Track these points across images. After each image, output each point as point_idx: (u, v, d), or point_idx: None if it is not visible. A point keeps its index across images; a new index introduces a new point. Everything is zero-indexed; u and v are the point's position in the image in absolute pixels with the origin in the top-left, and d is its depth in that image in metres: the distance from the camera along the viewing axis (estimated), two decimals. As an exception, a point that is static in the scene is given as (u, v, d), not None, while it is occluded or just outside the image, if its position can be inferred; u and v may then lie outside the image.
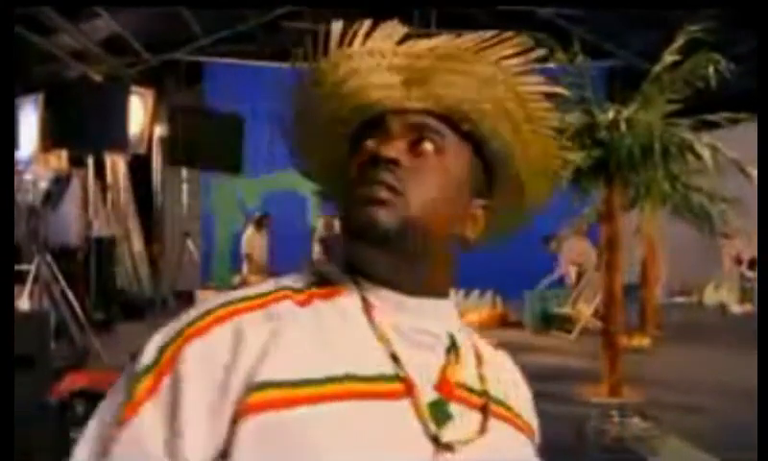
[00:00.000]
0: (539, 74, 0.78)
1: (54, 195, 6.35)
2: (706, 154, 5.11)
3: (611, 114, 5.47)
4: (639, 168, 5.29)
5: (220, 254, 7.85)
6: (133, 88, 9.41)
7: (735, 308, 10.15)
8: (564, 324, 8.56)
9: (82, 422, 2.97)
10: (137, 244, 11.45)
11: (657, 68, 5.35)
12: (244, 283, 8.63)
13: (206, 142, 6.54)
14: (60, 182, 6.39)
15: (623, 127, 5.20)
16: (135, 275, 11.36)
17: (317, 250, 7.98)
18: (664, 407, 5.40)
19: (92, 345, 6.96)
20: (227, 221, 7.74)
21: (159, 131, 6.79)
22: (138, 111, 9.95)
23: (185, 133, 6.47)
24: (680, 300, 10.92)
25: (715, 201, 5.21)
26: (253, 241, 9.38)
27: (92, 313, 8.99)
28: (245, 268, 9.25)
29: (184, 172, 11.37)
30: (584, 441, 4.75)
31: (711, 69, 4.85)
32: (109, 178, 10.77)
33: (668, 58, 5.25)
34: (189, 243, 10.95)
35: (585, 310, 8.51)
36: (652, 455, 4.46)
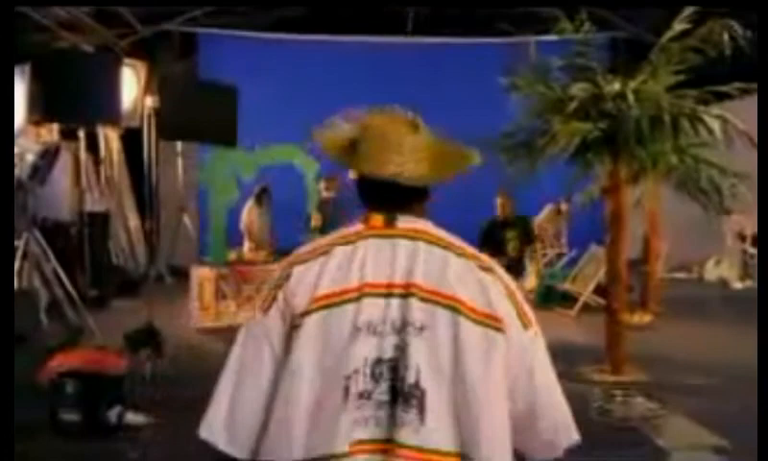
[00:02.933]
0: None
1: (41, 168, 6.13)
2: (715, 126, 4.93)
3: (617, 85, 5.26)
4: (647, 141, 5.10)
5: (215, 229, 7.66)
6: (126, 60, 9.15)
7: (737, 284, 10.02)
8: (565, 301, 8.41)
9: (72, 402, 2.75)
10: (132, 219, 11.26)
11: (666, 37, 5.13)
12: (241, 259, 8.47)
13: (199, 114, 6.30)
14: (48, 156, 6.17)
15: (631, 98, 4.99)
16: (131, 250, 11.19)
17: (315, 217, 7.81)
18: (667, 386, 5.28)
19: (86, 323, 6.81)
20: (221, 195, 7.53)
21: (151, 103, 6.53)
22: (131, 84, 9.69)
23: (177, 104, 6.23)
24: (680, 275, 10.78)
25: (726, 174, 5.03)
26: (252, 215, 9.16)
27: (86, 290, 8.83)
28: (245, 243, 9.06)
29: (179, 145, 11.14)
30: (587, 421, 4.63)
31: (726, 36, 4.64)
32: (103, 151, 10.52)
33: (678, 26, 5.03)
34: (185, 218, 10.76)
35: (586, 286, 8.35)
36: (657, 436, 4.35)
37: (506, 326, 1.30)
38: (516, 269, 6.61)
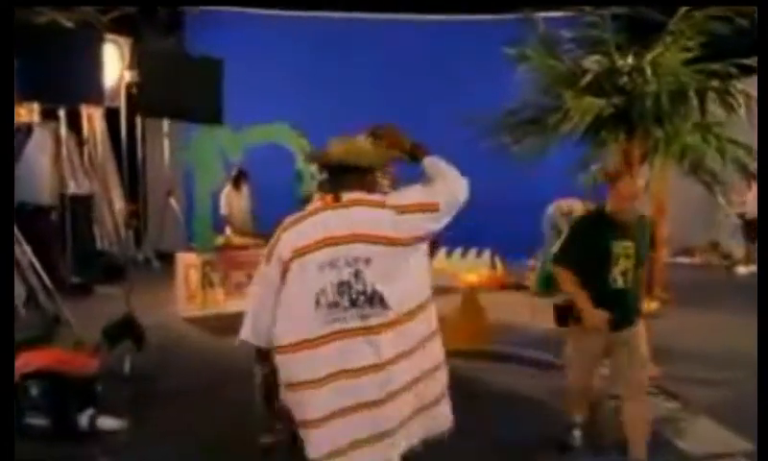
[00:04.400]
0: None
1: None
2: (739, 102, 4.48)
3: (631, 59, 4.80)
4: (666, 118, 4.64)
5: (200, 213, 7.14)
6: (108, 36, 8.58)
7: (741, 269, 9.63)
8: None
9: (38, 405, 2.16)
10: (118, 202, 10.72)
11: (686, 5, 4.64)
12: (228, 245, 7.98)
13: (182, 89, 5.74)
14: (19, 136, 5.64)
15: (648, 72, 4.53)
16: (117, 234, 10.66)
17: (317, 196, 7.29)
18: (680, 380, 4.87)
19: (62, 313, 6.32)
20: (207, 177, 7.01)
21: (130, 77, 5.99)
22: (114, 61, 9.12)
23: (158, 78, 5.68)
24: (682, 260, 10.38)
25: (753, 153, 4.58)
26: (231, 200, 8.65)
27: (68, 276, 8.35)
28: (228, 229, 8.57)
29: (166, 125, 10.58)
30: (601, 420, 4.22)
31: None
32: (86, 131, 9.95)
33: (701, -8, 4.56)
34: (172, 201, 10.24)
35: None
36: (679, 439, 3.95)
37: (411, 239, 2.13)
38: (627, 311, 3.43)
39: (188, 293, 7.10)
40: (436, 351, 2.20)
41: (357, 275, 2.05)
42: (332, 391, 2.05)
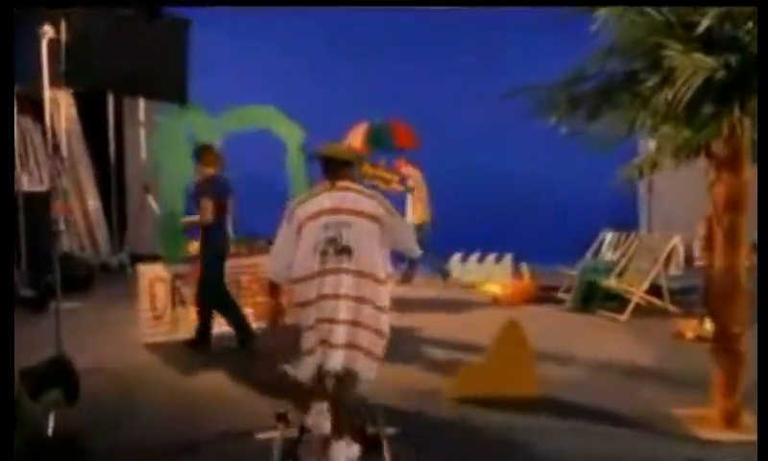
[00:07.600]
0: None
1: None
2: None
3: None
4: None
5: (168, 215, 5.59)
6: (61, 10, 7.01)
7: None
8: (608, 300, 6.44)
9: None
10: (91, 199, 9.16)
11: None
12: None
13: (133, 56, 4.15)
14: None
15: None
16: (90, 236, 9.11)
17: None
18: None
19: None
20: (176, 170, 5.45)
21: (52, 34, 4.41)
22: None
23: (95, 40, 4.11)
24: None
25: None
26: None
27: (21, 288, 6.82)
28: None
29: (142, 112, 9.05)
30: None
31: None
32: (49, 118, 8.38)
33: None
34: (150, 199, 8.73)
35: (638, 284, 6.36)
36: None
37: (382, 219, 3.05)
38: None
39: (154, 313, 5.54)
40: (380, 316, 3.02)
41: (339, 234, 3.02)
42: (316, 307, 2.99)
